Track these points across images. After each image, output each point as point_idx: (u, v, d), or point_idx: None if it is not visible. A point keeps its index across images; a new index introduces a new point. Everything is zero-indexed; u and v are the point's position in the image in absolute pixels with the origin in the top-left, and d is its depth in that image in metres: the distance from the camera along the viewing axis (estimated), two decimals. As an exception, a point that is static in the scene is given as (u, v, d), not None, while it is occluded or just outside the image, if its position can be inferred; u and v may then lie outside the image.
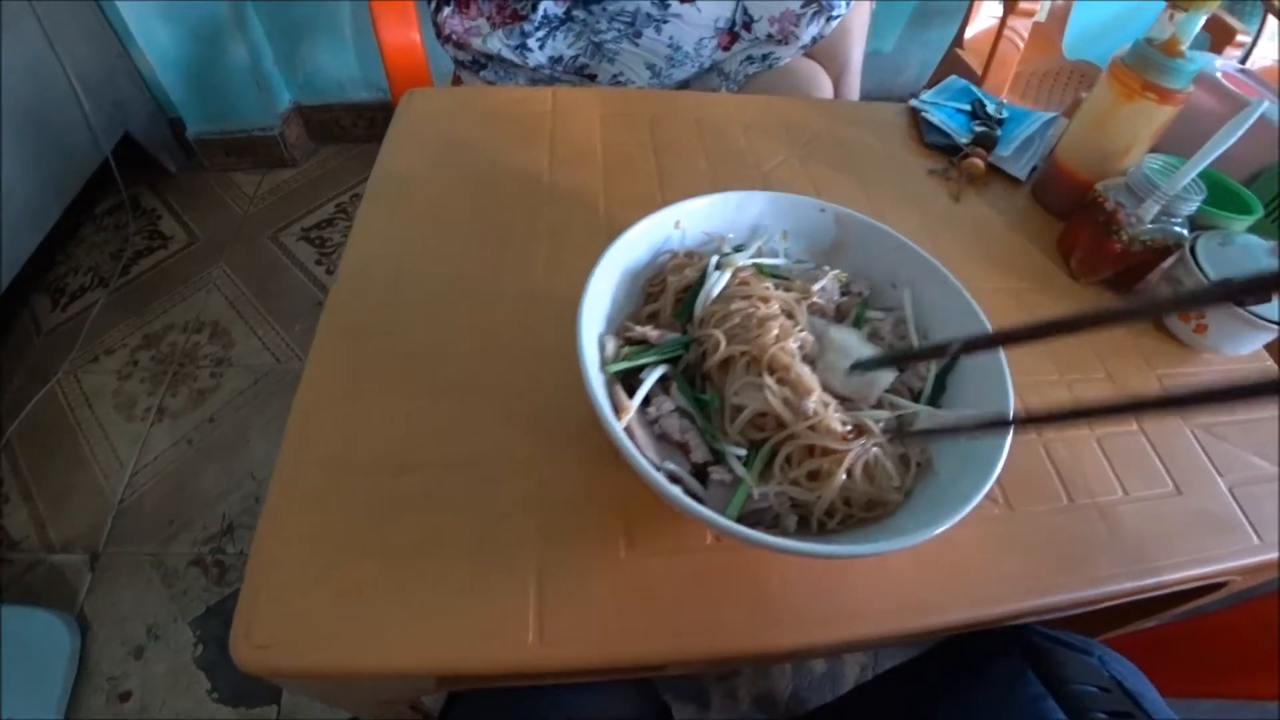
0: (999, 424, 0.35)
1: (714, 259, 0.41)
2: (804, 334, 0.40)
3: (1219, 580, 0.49)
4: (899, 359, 0.41)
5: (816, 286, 0.43)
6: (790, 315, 0.42)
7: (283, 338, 1.38)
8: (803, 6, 0.83)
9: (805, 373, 0.38)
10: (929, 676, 0.51)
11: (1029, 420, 0.26)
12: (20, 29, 1.25)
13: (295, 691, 0.92)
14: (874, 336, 0.44)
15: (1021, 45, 1.15)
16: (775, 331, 0.39)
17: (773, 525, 0.37)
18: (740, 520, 0.34)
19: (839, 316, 0.46)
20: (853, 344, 0.41)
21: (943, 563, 0.42)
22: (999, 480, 0.47)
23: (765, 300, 0.41)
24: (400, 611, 0.37)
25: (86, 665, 0.99)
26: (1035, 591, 0.43)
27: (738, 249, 0.46)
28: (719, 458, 0.37)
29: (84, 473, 1.18)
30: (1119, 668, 0.45)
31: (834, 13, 0.84)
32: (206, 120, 1.62)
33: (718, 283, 0.41)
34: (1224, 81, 0.80)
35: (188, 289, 1.47)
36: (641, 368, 0.39)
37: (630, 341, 0.40)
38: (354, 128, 1.77)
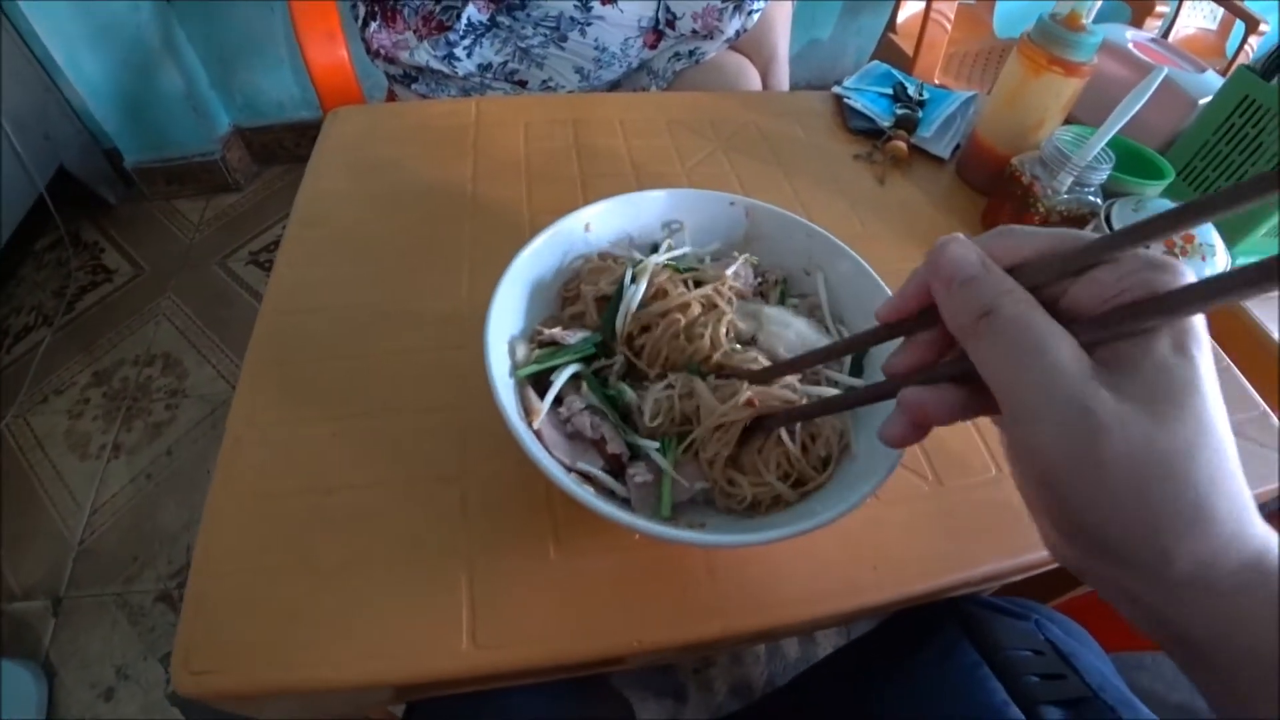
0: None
1: (629, 271, 0.42)
2: (731, 319, 0.41)
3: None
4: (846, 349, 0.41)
5: (729, 271, 0.44)
6: (714, 307, 0.42)
7: (236, 365, 1.36)
8: (723, 1, 0.84)
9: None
10: (871, 653, 0.52)
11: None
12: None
13: (252, 715, 0.91)
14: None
15: (949, 27, 1.17)
16: (708, 342, 0.40)
17: (697, 519, 0.38)
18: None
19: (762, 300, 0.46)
20: (788, 317, 0.42)
21: (872, 543, 0.43)
22: (927, 456, 0.49)
23: (685, 308, 0.41)
24: (336, 627, 0.37)
25: (56, 712, 0.97)
26: (966, 564, 0.43)
27: (654, 248, 0.46)
28: (635, 452, 0.38)
29: (41, 516, 1.16)
30: (1055, 630, 0.47)
31: (754, 6, 0.85)
32: (144, 149, 1.59)
33: (635, 295, 0.41)
34: (1135, 51, 0.82)
35: (136, 321, 1.44)
36: (553, 369, 0.39)
37: (542, 345, 0.41)
38: (297, 147, 1.76)
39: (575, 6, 0.82)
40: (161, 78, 1.46)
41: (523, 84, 0.91)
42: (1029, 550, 0.45)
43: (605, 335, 0.42)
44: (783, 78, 1.00)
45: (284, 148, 1.75)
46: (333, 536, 0.41)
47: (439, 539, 0.41)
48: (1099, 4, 0.62)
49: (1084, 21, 0.61)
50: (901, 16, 1.36)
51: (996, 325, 0.23)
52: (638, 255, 0.44)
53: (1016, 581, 0.49)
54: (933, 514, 0.46)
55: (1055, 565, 0.48)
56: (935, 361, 0.28)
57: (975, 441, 0.50)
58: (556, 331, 0.40)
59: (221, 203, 1.70)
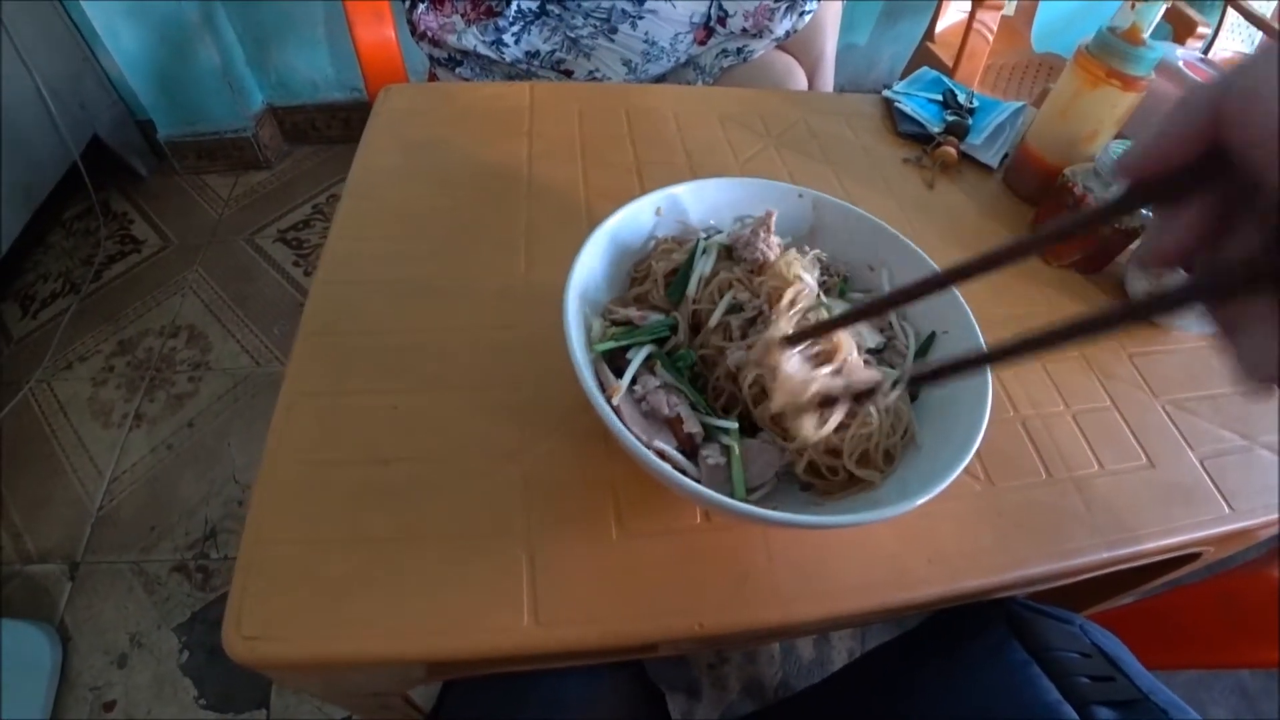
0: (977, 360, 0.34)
1: (700, 240, 0.42)
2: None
3: (1193, 551, 0.50)
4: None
5: (804, 273, 0.44)
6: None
7: (261, 341, 1.37)
8: (775, 1, 0.84)
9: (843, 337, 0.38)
10: (913, 651, 0.52)
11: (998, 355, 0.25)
12: (-17, 32, 1.23)
13: (289, 685, 0.92)
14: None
15: (990, 38, 1.17)
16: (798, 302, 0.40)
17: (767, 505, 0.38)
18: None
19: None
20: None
21: (925, 538, 0.43)
22: (979, 456, 0.49)
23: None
24: (391, 599, 0.37)
25: (68, 676, 0.98)
26: (1015, 564, 0.44)
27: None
28: (709, 434, 0.38)
29: (61, 482, 1.16)
30: (1099, 636, 0.47)
31: (806, 7, 0.85)
32: (178, 122, 1.60)
33: (706, 263, 0.42)
34: (1185, 70, 0.82)
35: (162, 293, 1.45)
36: (627, 348, 0.39)
37: (615, 324, 0.41)
38: (328, 129, 1.76)
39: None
40: (199, 53, 1.46)
41: (568, 73, 0.91)
42: (1076, 555, 0.45)
43: (673, 297, 0.42)
44: (828, 80, 1.01)
45: (315, 128, 1.76)
46: (387, 509, 0.41)
47: (496, 515, 0.41)
48: (1159, 19, 0.63)
49: (1144, 36, 0.61)
50: (940, 26, 1.37)
51: None
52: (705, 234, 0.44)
53: (1046, 591, 0.49)
54: (984, 512, 0.46)
55: (1096, 573, 0.48)
56: (1211, 240, 0.19)
57: (1024, 443, 0.50)
58: (632, 312, 0.40)
59: (251, 179, 1.70)
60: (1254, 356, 0.17)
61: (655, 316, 0.41)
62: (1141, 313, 0.21)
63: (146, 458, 1.20)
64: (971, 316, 0.42)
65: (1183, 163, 0.18)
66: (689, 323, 0.42)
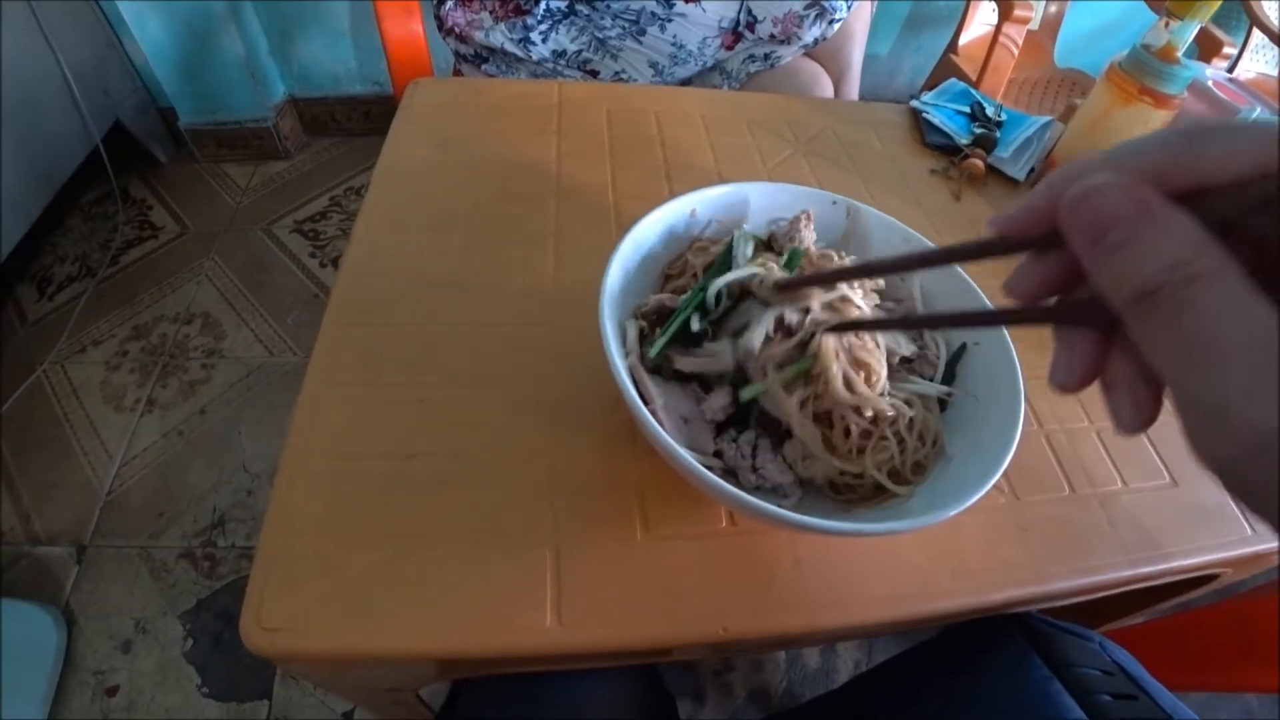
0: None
1: (737, 232, 0.42)
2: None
3: (1212, 572, 0.50)
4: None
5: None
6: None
7: (275, 330, 1.37)
8: (805, 8, 0.84)
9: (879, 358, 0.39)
10: (929, 663, 0.52)
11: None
12: (12, 16, 1.24)
13: (303, 677, 0.91)
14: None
15: (1016, 52, 1.17)
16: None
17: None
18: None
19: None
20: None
21: (950, 549, 0.43)
22: (1005, 469, 0.48)
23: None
24: (414, 595, 0.37)
25: (72, 660, 0.98)
26: (1039, 579, 0.43)
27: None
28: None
29: (71, 464, 1.17)
30: (1119, 654, 0.46)
31: (835, 15, 0.85)
32: (199, 111, 1.61)
33: (747, 247, 0.41)
34: (1214, 90, 0.82)
35: (178, 280, 1.45)
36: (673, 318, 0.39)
37: (646, 317, 0.41)
38: (348, 121, 1.77)
39: (657, 2, 0.82)
40: (223, 43, 1.47)
41: (594, 74, 0.92)
42: (1098, 571, 0.45)
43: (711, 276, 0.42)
44: (854, 89, 1.01)
45: (335, 120, 1.76)
46: (412, 503, 0.41)
47: (523, 514, 0.41)
48: (1193, 38, 0.62)
49: (1179, 54, 0.61)
50: (964, 39, 1.37)
51: (1162, 312, 0.16)
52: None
53: (1062, 608, 0.49)
54: (1008, 526, 0.45)
55: (1120, 590, 0.48)
56: (1068, 284, 0.22)
57: (1049, 458, 0.50)
58: (663, 296, 0.40)
59: (270, 169, 1.71)
60: (1058, 365, 0.21)
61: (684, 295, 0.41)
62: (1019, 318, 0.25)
63: (157, 443, 1.20)
64: (1005, 331, 0.42)
65: (1038, 233, 0.21)
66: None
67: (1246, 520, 0.49)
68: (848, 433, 0.38)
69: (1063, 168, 0.21)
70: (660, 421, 0.35)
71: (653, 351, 0.38)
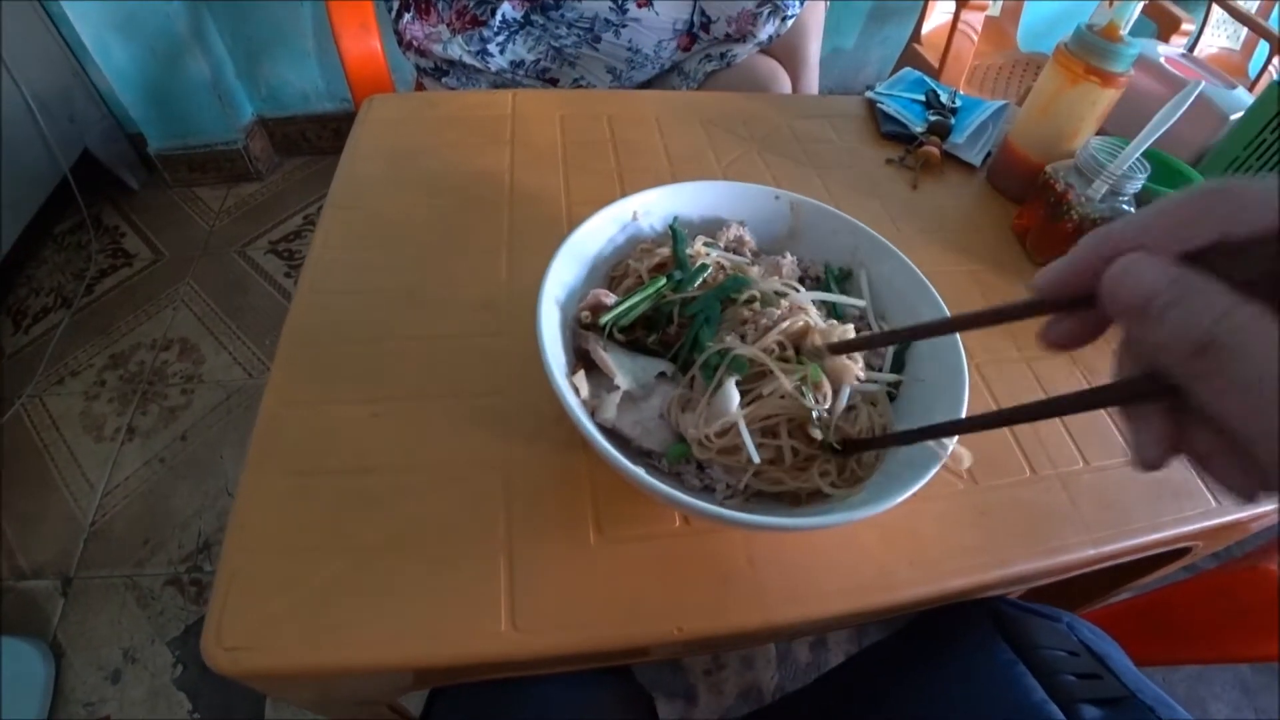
0: (940, 430, 0.36)
1: (673, 227, 0.42)
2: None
3: (1182, 546, 0.50)
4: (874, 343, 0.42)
5: (784, 267, 0.44)
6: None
7: (253, 353, 1.37)
8: (758, 6, 0.84)
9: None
10: (900, 653, 0.52)
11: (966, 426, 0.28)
12: (-28, 48, 1.23)
13: (275, 695, 0.91)
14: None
15: (975, 39, 1.18)
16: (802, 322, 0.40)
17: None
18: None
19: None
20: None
21: (908, 539, 0.43)
22: (952, 450, 0.49)
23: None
24: (371, 608, 0.37)
25: (62, 692, 0.97)
26: (1000, 563, 0.43)
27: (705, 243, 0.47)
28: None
29: (53, 496, 1.16)
30: (1087, 633, 0.47)
31: (789, 11, 0.86)
32: (168, 136, 1.60)
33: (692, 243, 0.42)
34: (1167, 66, 0.82)
35: (154, 306, 1.45)
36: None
37: (584, 323, 0.41)
38: (319, 139, 1.77)
39: (610, 8, 0.82)
40: (188, 66, 1.47)
41: (554, 82, 0.92)
42: (1062, 552, 0.45)
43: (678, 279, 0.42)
44: (813, 83, 1.01)
45: (306, 139, 1.76)
46: (370, 517, 0.41)
47: (478, 522, 0.41)
48: (1136, 16, 0.63)
49: (1122, 33, 0.61)
50: (926, 28, 1.37)
51: (1220, 360, 0.18)
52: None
53: (1038, 590, 0.49)
54: (967, 511, 0.46)
55: (1084, 570, 0.48)
56: (1095, 334, 0.24)
57: (1009, 441, 0.50)
58: (601, 292, 0.40)
59: (242, 191, 1.70)
60: (1139, 445, 0.22)
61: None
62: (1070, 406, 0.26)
63: (139, 471, 1.19)
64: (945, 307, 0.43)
65: (1072, 294, 0.23)
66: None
67: (1211, 493, 0.49)
68: (796, 451, 0.38)
69: (1088, 237, 0.23)
70: (610, 422, 0.35)
71: (604, 319, 0.38)
